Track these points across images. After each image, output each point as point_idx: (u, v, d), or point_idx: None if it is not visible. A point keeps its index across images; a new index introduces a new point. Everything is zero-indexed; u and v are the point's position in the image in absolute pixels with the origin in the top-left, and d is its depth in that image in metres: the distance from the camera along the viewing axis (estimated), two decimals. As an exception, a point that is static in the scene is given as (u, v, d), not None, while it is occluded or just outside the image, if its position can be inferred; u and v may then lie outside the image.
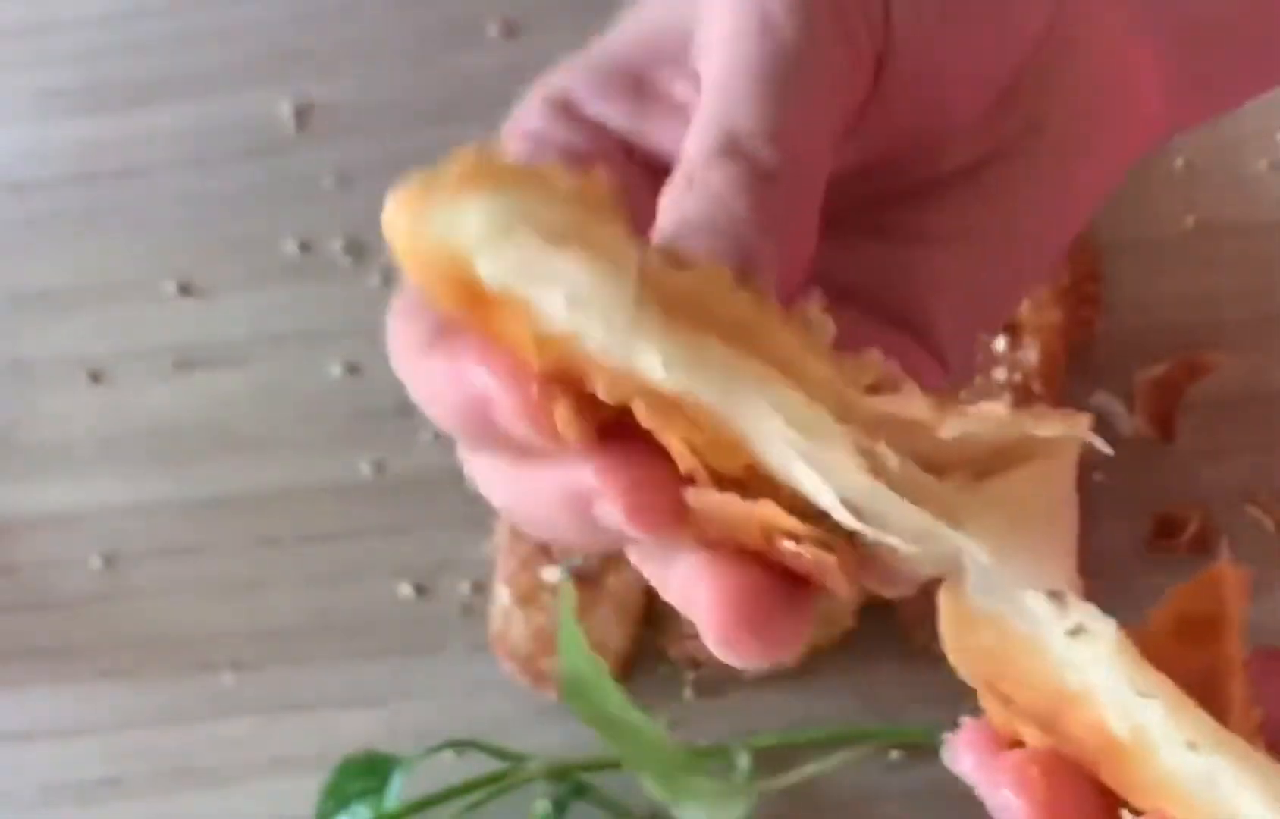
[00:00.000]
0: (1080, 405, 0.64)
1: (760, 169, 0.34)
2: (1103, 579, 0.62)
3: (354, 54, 0.71)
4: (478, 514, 0.64)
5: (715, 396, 0.30)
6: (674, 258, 0.31)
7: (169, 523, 0.65)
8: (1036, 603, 0.31)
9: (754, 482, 0.31)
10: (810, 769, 0.59)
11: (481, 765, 0.59)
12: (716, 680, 0.62)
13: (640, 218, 0.34)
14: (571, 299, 0.30)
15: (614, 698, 0.56)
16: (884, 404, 0.31)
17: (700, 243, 0.32)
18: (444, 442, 0.65)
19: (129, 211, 0.69)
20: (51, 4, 0.72)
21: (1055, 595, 0.31)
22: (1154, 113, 0.41)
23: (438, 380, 0.35)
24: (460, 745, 0.60)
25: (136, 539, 0.65)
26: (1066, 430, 0.31)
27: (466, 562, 0.64)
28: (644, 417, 0.30)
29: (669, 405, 0.30)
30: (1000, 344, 0.61)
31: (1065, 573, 0.32)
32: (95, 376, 0.67)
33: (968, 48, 0.38)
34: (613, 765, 0.58)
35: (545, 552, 0.60)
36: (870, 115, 0.37)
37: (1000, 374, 0.61)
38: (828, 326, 0.32)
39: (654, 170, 0.37)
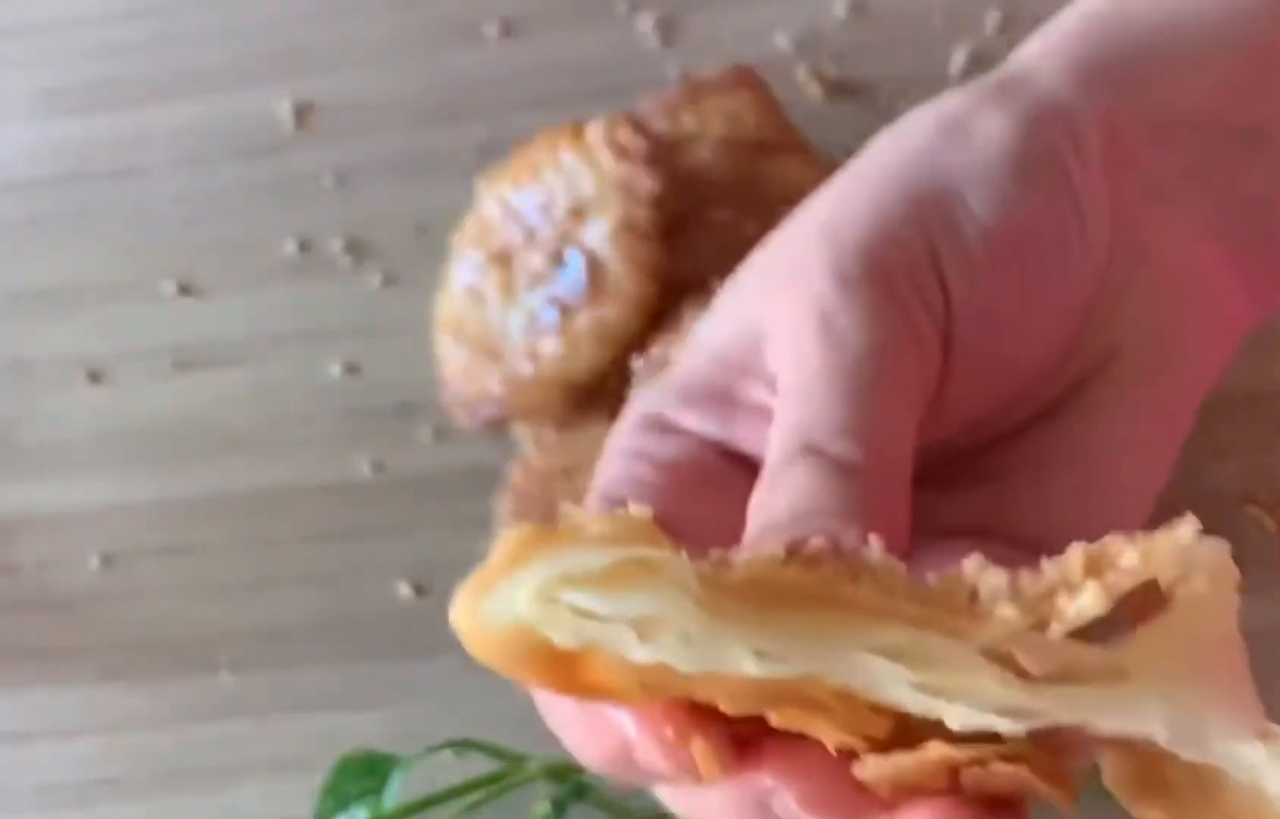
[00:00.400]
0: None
1: (842, 464, 0.34)
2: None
3: (353, 53, 0.70)
4: (477, 514, 0.64)
5: (821, 666, 0.29)
6: (725, 560, 0.30)
7: (167, 523, 0.65)
8: (1244, 748, 0.30)
9: (910, 727, 0.29)
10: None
11: (481, 766, 0.59)
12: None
13: (739, 520, 0.35)
14: (641, 633, 0.30)
15: None
16: (985, 624, 0.29)
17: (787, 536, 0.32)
18: (444, 442, 0.65)
19: (128, 211, 0.69)
20: (50, 3, 0.72)
21: (1263, 732, 0.30)
22: (1236, 307, 0.40)
23: (579, 733, 0.35)
24: (459, 745, 0.59)
25: (135, 539, 0.65)
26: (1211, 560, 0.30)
27: (466, 562, 0.64)
28: (780, 721, 0.30)
29: (795, 698, 0.29)
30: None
31: (1254, 705, 0.31)
32: (94, 376, 0.67)
33: (1028, 303, 0.37)
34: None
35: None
36: (946, 389, 0.37)
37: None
38: (895, 567, 0.31)
39: (751, 470, 0.37)
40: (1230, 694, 0.30)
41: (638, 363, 0.61)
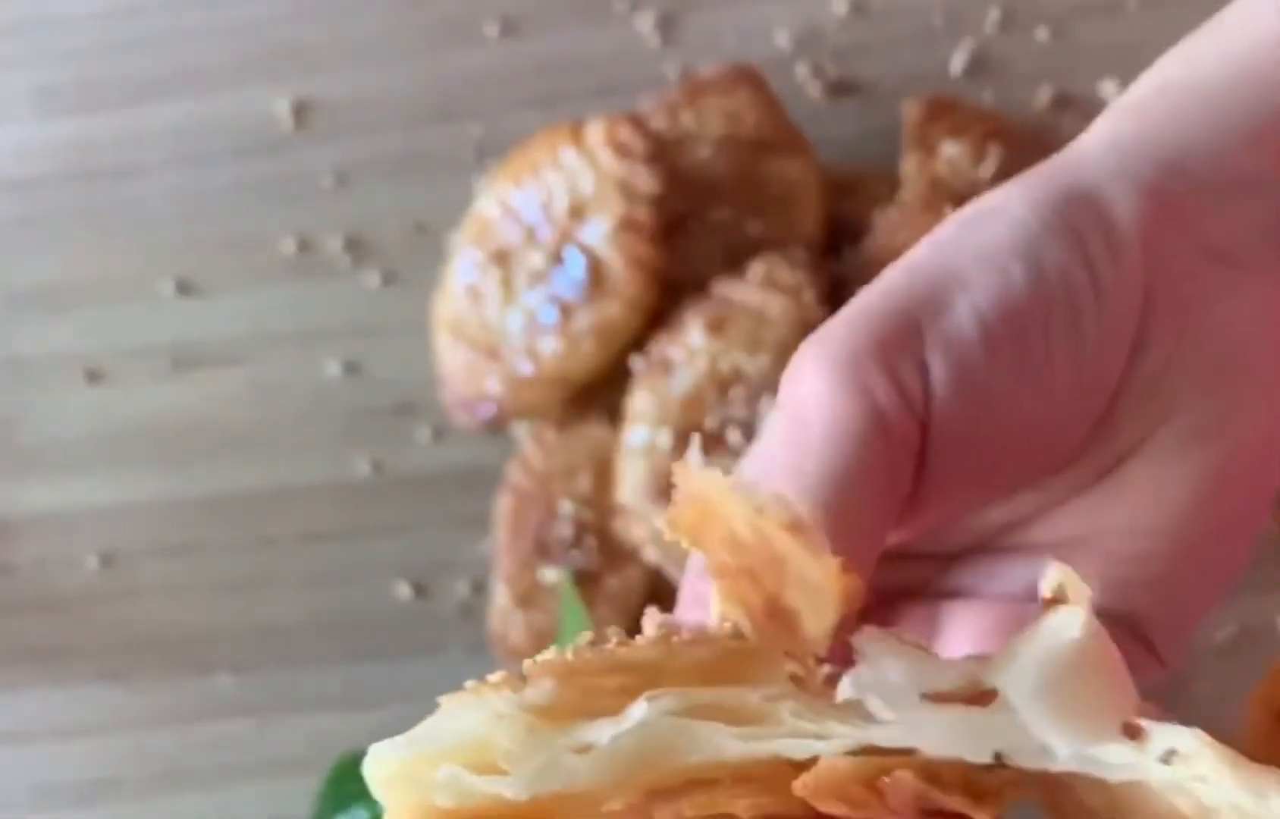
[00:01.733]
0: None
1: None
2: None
3: (352, 52, 0.70)
4: (476, 514, 0.64)
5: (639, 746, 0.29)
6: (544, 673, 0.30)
7: (166, 522, 0.65)
8: (1115, 749, 0.29)
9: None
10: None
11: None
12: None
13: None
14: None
15: None
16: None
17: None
18: (443, 441, 0.65)
19: (126, 210, 0.69)
20: (49, 2, 0.72)
21: (1130, 730, 0.30)
22: None
23: None
24: (459, 746, 0.59)
25: (133, 539, 0.65)
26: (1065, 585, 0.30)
27: (465, 562, 0.64)
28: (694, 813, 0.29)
29: (683, 786, 0.29)
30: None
31: (1127, 703, 0.30)
32: (92, 376, 0.67)
33: (1025, 382, 0.36)
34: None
35: (543, 552, 0.60)
36: (931, 466, 0.36)
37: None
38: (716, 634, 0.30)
39: None
40: (1094, 700, 0.29)
41: (637, 362, 0.61)
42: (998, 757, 0.28)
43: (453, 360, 0.64)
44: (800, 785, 0.29)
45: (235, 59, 0.70)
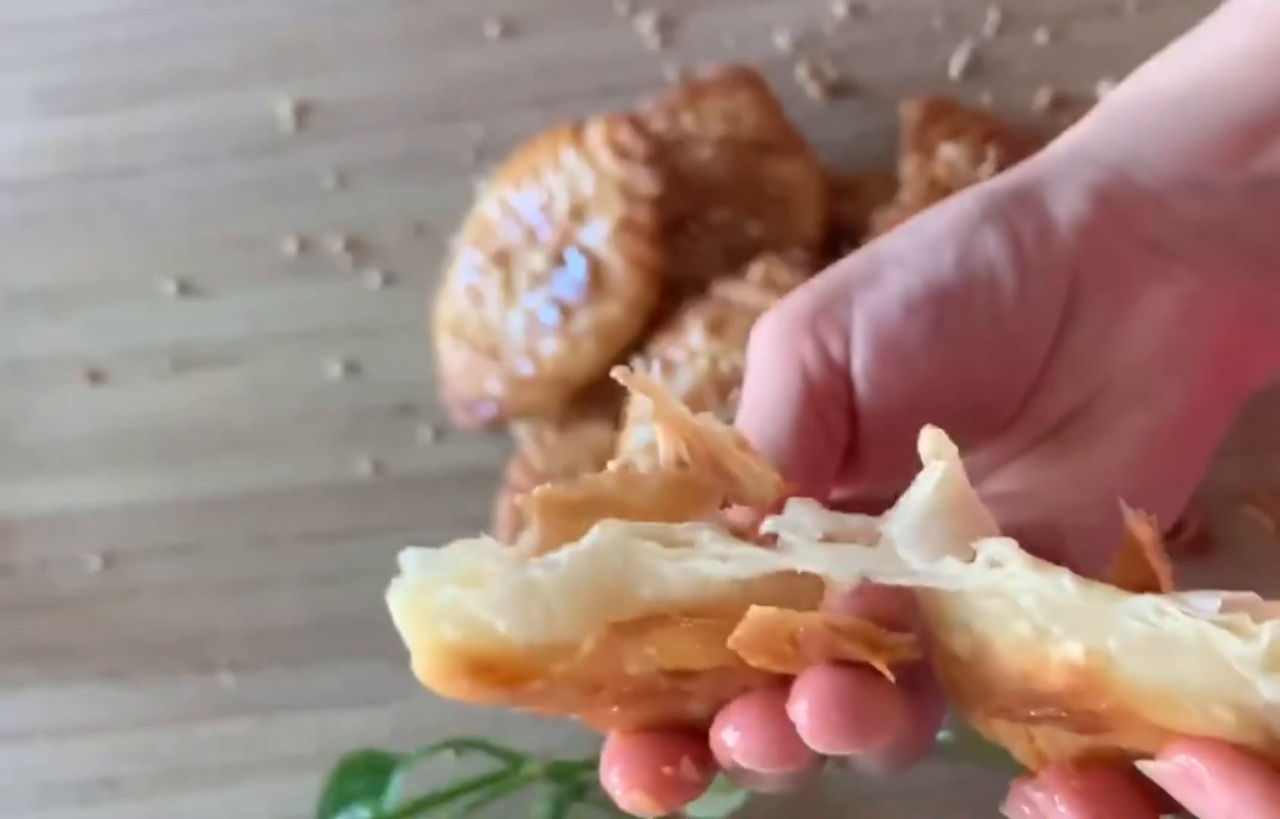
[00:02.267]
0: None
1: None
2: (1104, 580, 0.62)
3: (353, 53, 0.70)
4: (477, 514, 0.64)
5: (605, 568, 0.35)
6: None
7: (167, 522, 0.65)
8: (952, 562, 0.34)
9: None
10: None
11: (481, 765, 0.59)
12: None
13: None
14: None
15: None
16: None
17: None
18: (444, 441, 0.65)
19: (127, 210, 0.69)
20: (49, 2, 0.72)
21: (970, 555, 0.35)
22: (1251, 349, 0.42)
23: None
24: (460, 745, 0.60)
25: (135, 539, 0.65)
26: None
27: (466, 561, 0.64)
28: (660, 655, 0.35)
29: (650, 624, 0.35)
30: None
31: (979, 532, 0.35)
32: (93, 376, 0.67)
33: (942, 354, 0.40)
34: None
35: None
36: (863, 424, 0.40)
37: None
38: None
39: None
40: (950, 529, 0.35)
41: (638, 362, 0.61)
42: (863, 577, 0.34)
43: (453, 361, 0.64)
44: (732, 641, 0.34)
45: (236, 60, 0.70)
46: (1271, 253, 0.42)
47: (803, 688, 0.34)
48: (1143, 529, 0.36)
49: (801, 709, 0.34)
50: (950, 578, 0.34)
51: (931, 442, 0.35)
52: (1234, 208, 0.41)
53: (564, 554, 0.35)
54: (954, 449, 0.35)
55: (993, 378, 0.40)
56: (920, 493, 0.35)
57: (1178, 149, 0.42)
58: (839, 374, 0.39)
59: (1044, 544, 0.38)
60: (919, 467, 0.36)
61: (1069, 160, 0.42)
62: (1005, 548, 0.34)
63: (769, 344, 0.40)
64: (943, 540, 0.35)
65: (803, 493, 0.37)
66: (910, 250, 0.40)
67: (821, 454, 0.39)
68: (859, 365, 0.39)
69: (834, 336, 0.39)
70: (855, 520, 0.35)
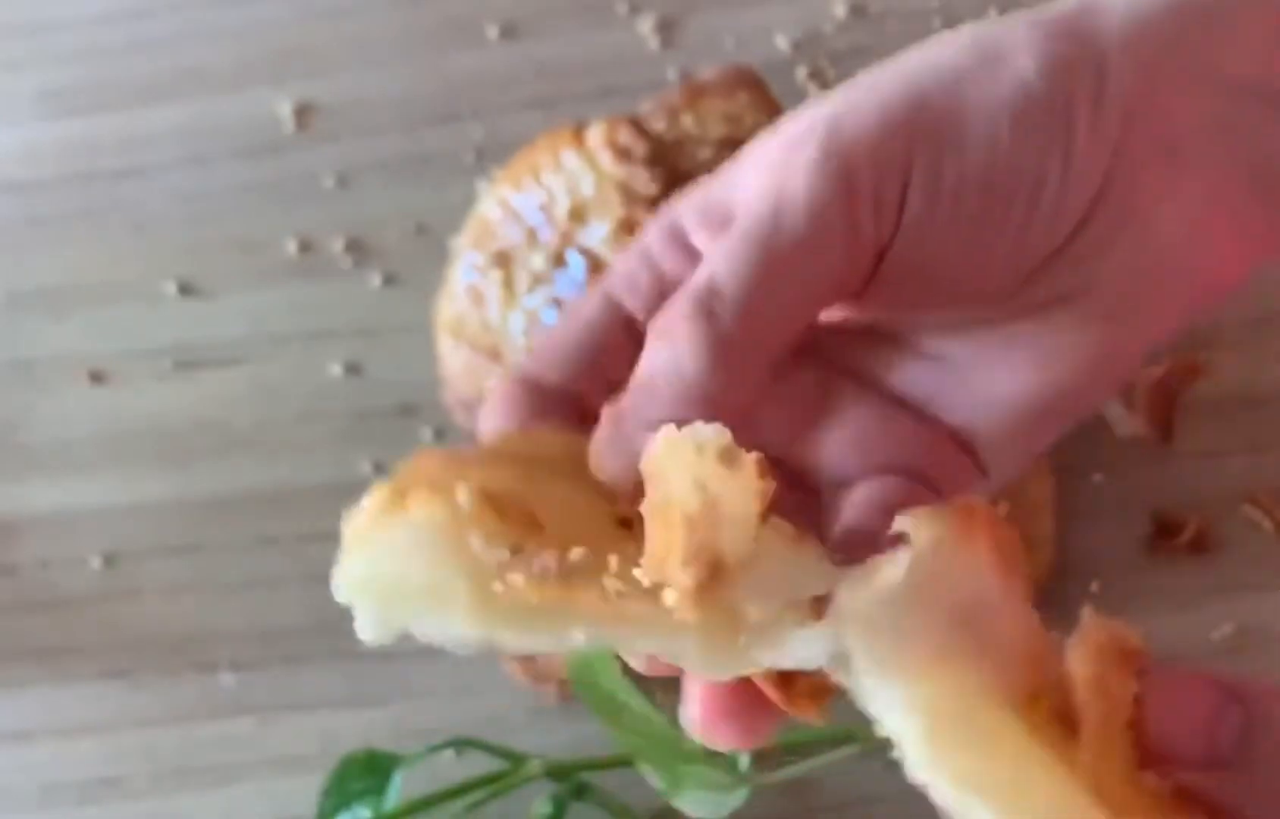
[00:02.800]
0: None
1: (721, 336, 0.39)
2: (1102, 579, 0.62)
3: (354, 54, 0.71)
4: (478, 514, 0.64)
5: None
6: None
7: (169, 523, 0.65)
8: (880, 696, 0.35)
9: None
10: (808, 765, 0.59)
11: (482, 765, 0.59)
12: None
13: None
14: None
15: (620, 684, 0.56)
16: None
17: (659, 386, 0.39)
18: (444, 442, 0.66)
19: (129, 211, 0.69)
20: (52, 4, 0.72)
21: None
22: (1230, 266, 0.42)
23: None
24: (461, 745, 0.60)
25: (136, 539, 0.65)
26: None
27: (467, 561, 0.64)
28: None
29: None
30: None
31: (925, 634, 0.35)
32: (95, 376, 0.67)
33: (980, 237, 0.40)
34: (613, 764, 0.58)
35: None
36: (872, 289, 0.41)
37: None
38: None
39: None
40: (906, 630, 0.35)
41: (638, 363, 0.61)
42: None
43: (454, 361, 0.64)
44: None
45: (238, 61, 0.71)
46: (1273, 167, 0.42)
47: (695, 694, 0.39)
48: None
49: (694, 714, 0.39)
50: (873, 708, 0.34)
51: (911, 524, 0.35)
52: (1248, 116, 0.41)
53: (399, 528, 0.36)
54: (928, 536, 0.35)
55: (1004, 261, 0.41)
56: (886, 575, 0.35)
57: (1217, 41, 0.41)
58: (885, 228, 0.40)
59: (952, 460, 0.41)
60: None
61: (1127, 25, 0.41)
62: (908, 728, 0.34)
63: (818, 171, 0.39)
64: (893, 637, 0.34)
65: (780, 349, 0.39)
66: (971, 122, 0.40)
67: (826, 294, 0.40)
68: (911, 216, 0.39)
69: (891, 204, 0.39)
70: (818, 573, 0.35)
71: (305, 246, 0.68)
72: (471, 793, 0.58)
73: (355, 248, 0.68)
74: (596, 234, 0.62)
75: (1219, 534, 0.63)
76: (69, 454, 0.66)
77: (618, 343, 0.43)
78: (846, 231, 0.39)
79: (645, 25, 0.70)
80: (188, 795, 0.62)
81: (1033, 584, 0.37)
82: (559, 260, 0.62)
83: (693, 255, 0.43)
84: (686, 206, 0.44)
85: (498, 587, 0.35)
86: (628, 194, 0.61)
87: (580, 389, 0.42)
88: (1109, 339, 0.42)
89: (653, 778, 0.57)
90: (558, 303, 0.62)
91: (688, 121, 0.64)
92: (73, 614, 0.64)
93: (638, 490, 0.36)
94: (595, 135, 0.62)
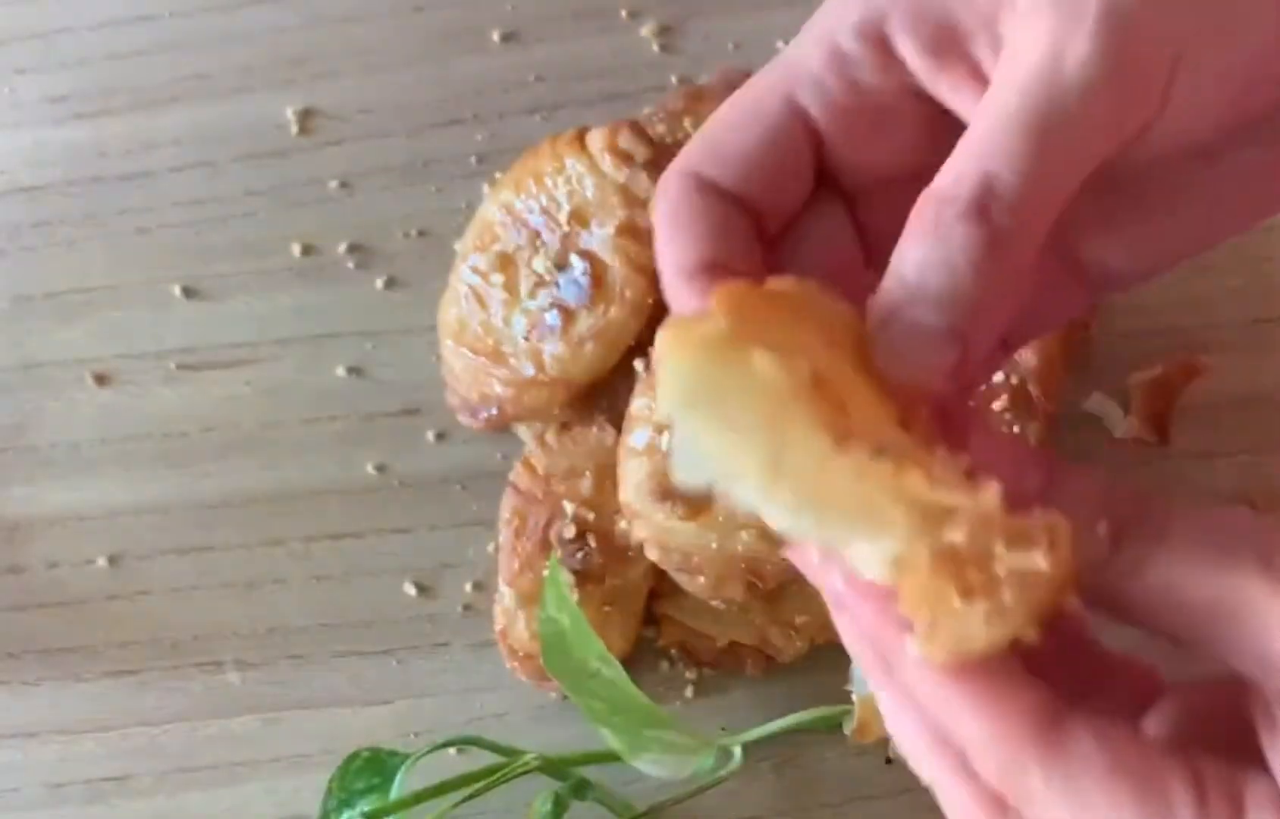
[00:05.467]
0: (1076, 408, 0.65)
1: (998, 239, 0.36)
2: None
3: (358, 59, 0.71)
4: (480, 514, 0.64)
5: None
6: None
7: (174, 523, 0.65)
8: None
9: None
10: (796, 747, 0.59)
11: (484, 763, 0.59)
12: (717, 680, 0.62)
13: (897, 148, 0.40)
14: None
15: (593, 647, 0.56)
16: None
17: (929, 289, 0.36)
18: (447, 443, 0.66)
19: (135, 215, 0.70)
20: (57, 9, 0.72)
21: None
22: None
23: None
24: (463, 743, 0.60)
25: (142, 539, 0.65)
26: None
27: (469, 561, 0.64)
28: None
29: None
30: (997, 346, 0.62)
31: None
32: (101, 379, 0.68)
33: (1236, 112, 0.39)
34: (606, 758, 0.59)
35: (547, 552, 0.61)
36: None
37: (998, 376, 0.62)
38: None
39: (936, 117, 0.40)
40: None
41: (639, 365, 0.62)
42: None
43: (457, 363, 0.64)
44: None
45: (242, 67, 0.71)
46: None
47: None
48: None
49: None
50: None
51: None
52: None
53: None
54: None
55: (1251, 110, 0.40)
56: None
57: None
58: (1158, 94, 0.38)
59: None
60: None
61: None
62: None
63: (1112, 43, 0.37)
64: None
65: None
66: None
67: None
68: (1177, 98, 0.38)
69: (1165, 55, 0.37)
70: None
71: (309, 250, 0.69)
72: (467, 787, 0.58)
73: (359, 251, 0.69)
74: (598, 237, 0.62)
75: (1215, 534, 0.63)
76: (75, 456, 0.67)
77: (801, 157, 0.40)
78: (1125, 112, 0.37)
79: (646, 30, 0.70)
80: (194, 793, 0.62)
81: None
82: (561, 263, 0.63)
83: (896, 68, 0.40)
84: (892, 5, 0.39)
85: (841, 460, 0.33)
86: (629, 198, 0.62)
87: (756, 201, 0.39)
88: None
89: (612, 740, 0.57)
90: (559, 305, 0.62)
91: (688, 126, 0.64)
92: (79, 614, 0.64)
93: (915, 394, 0.36)
94: (597, 139, 0.62)
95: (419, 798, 0.58)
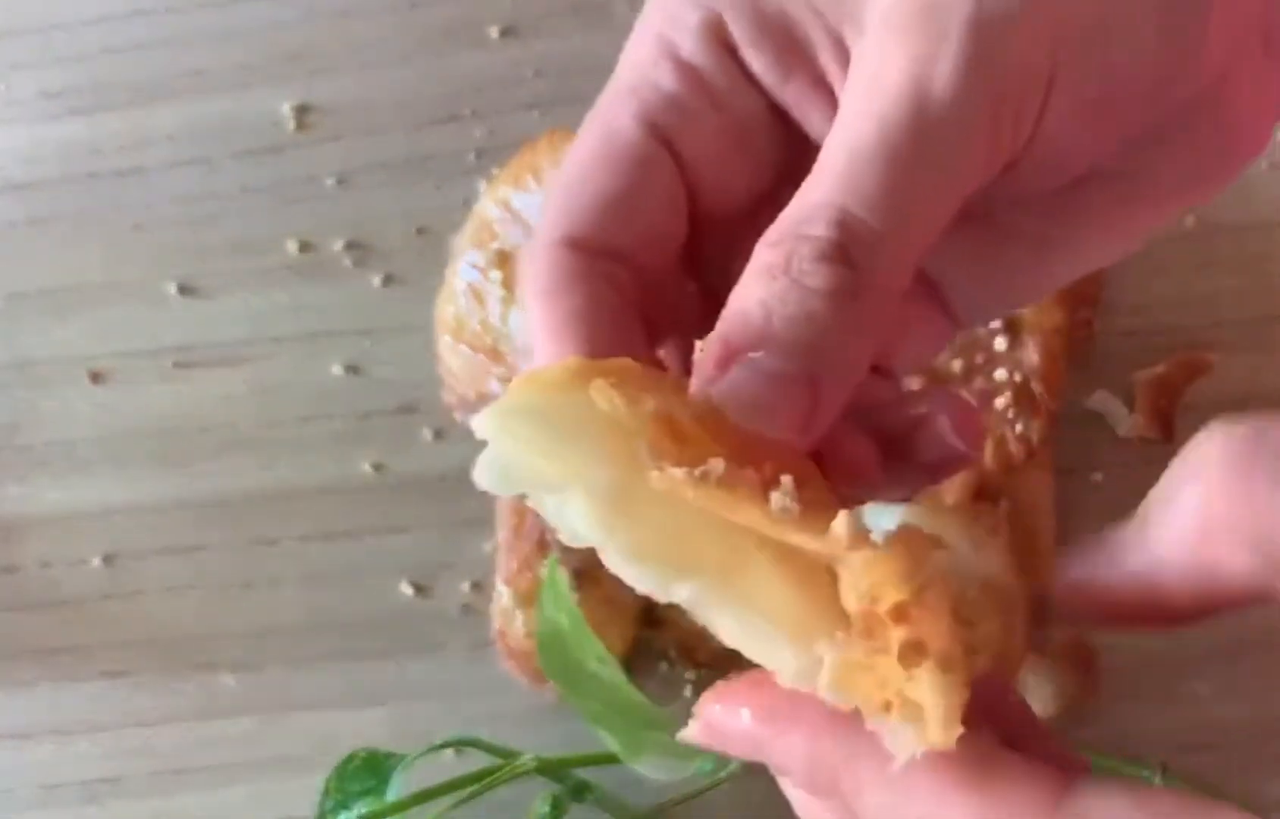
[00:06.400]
0: (1079, 405, 0.64)
1: (860, 285, 0.33)
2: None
3: (354, 55, 0.71)
4: (478, 514, 0.64)
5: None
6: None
7: (169, 523, 0.65)
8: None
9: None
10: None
11: (481, 765, 0.59)
12: (716, 680, 0.62)
13: (755, 168, 0.37)
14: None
15: (591, 648, 0.56)
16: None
17: (783, 358, 0.33)
18: (444, 441, 0.66)
19: (130, 212, 0.69)
20: (53, 5, 0.72)
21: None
22: (1264, 131, 0.40)
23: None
24: (460, 744, 0.60)
25: (137, 539, 0.65)
26: None
27: (466, 561, 0.64)
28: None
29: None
30: (1001, 344, 0.61)
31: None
32: (96, 377, 0.67)
33: (1107, 140, 0.37)
34: (603, 760, 0.58)
35: (544, 552, 0.60)
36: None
37: (1001, 374, 0.61)
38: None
39: (781, 123, 0.38)
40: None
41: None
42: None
43: (454, 361, 0.64)
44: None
45: (238, 62, 0.71)
46: None
47: None
48: None
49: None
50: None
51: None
52: None
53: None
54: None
55: (1110, 148, 0.38)
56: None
57: None
58: (1028, 125, 0.36)
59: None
60: None
61: None
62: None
63: (976, 69, 0.34)
64: None
65: None
66: (1119, 18, 0.36)
67: None
68: (1047, 126, 0.36)
69: (1038, 79, 0.35)
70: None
71: (306, 247, 0.68)
72: (464, 789, 0.58)
73: (356, 248, 0.68)
74: (596, 234, 0.62)
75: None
76: (70, 454, 0.66)
77: (669, 188, 0.37)
78: (996, 142, 0.34)
79: (645, 25, 0.70)
80: (188, 795, 0.62)
81: (1034, 591, 0.37)
82: (559, 260, 0.62)
83: (748, 78, 0.37)
84: (729, 9, 0.37)
85: (653, 473, 0.31)
86: (627, 194, 0.61)
87: (629, 248, 0.37)
88: (1145, 212, 0.39)
89: (610, 741, 0.57)
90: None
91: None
92: (74, 614, 0.64)
93: (775, 445, 0.33)
94: (595, 135, 0.62)
95: (416, 800, 0.58)
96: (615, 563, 0.32)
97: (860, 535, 0.31)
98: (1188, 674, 0.61)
